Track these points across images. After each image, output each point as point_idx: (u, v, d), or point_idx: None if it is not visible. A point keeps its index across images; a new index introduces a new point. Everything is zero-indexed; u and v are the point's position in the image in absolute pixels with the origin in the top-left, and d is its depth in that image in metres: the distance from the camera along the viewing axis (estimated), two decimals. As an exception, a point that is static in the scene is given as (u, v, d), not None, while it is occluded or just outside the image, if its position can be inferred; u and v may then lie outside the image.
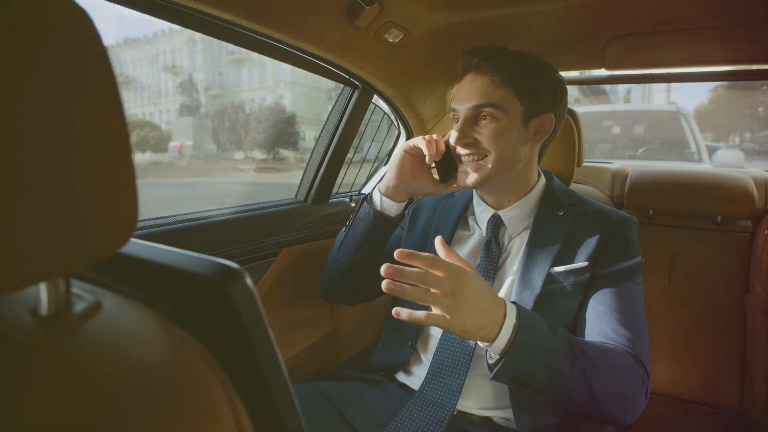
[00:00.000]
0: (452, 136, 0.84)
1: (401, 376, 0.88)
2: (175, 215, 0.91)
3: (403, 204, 0.92)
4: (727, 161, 2.86)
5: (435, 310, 0.60)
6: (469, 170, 0.82)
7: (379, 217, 0.89)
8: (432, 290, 0.59)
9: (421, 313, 0.59)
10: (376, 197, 0.90)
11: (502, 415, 0.78)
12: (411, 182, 0.89)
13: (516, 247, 0.85)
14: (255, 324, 0.25)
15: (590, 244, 0.80)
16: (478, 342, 0.64)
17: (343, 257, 0.93)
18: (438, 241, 0.67)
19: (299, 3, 0.80)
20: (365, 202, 0.91)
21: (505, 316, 0.62)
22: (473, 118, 0.81)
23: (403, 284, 0.58)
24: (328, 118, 1.24)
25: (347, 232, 0.93)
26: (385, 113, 1.42)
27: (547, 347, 0.63)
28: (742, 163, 2.92)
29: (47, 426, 0.19)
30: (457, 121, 0.83)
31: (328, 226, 1.22)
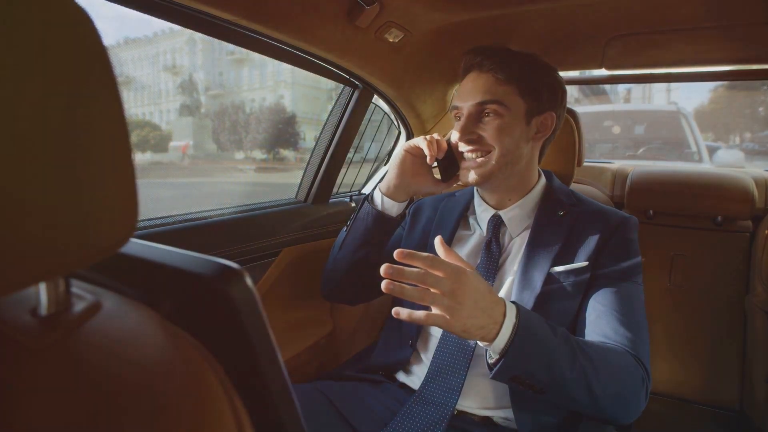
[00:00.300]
0: (454, 134, 0.84)
1: (401, 376, 0.89)
2: (175, 215, 0.91)
3: (404, 204, 0.92)
4: (727, 161, 2.86)
5: (435, 310, 0.59)
6: (472, 167, 0.83)
7: (380, 216, 0.89)
8: (432, 290, 0.59)
9: (420, 313, 0.59)
10: (377, 197, 0.90)
11: (502, 414, 0.78)
12: (412, 182, 0.89)
13: (516, 246, 0.85)
14: (255, 324, 0.25)
15: (590, 244, 0.80)
16: (478, 342, 0.64)
17: (343, 257, 0.93)
18: (438, 241, 0.67)
19: (299, 3, 0.80)
20: (366, 202, 0.91)
21: (504, 315, 0.62)
22: (477, 115, 0.81)
23: (403, 284, 0.58)
24: (328, 118, 1.24)
25: (348, 231, 0.93)
26: (385, 113, 1.42)
27: (547, 347, 0.63)
28: (743, 163, 2.92)
29: (47, 426, 0.19)
30: (459, 119, 0.83)
31: (328, 226, 1.22)
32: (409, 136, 1.45)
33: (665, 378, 1.31)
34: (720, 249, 1.30)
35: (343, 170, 1.28)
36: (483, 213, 0.90)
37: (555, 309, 0.77)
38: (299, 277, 1.15)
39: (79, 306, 0.24)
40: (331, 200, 1.28)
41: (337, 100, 1.24)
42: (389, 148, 1.53)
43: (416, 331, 0.89)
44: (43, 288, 0.23)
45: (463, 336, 0.61)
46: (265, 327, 0.26)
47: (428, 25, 1.01)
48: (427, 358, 0.85)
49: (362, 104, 1.22)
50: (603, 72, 1.21)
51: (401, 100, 1.29)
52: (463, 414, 0.79)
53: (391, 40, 1.01)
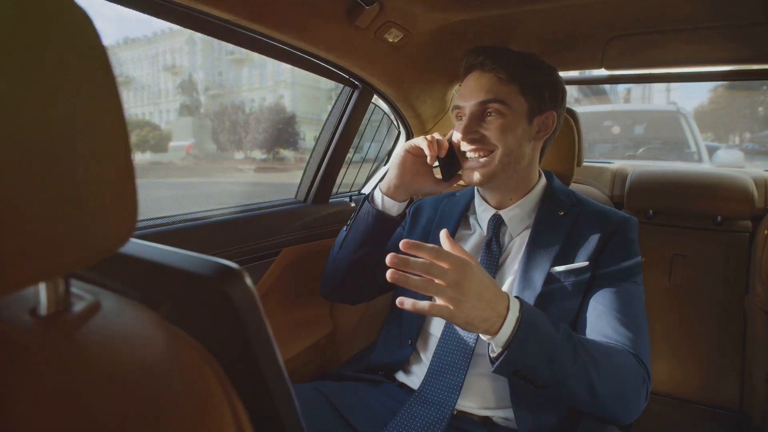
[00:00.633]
0: (455, 134, 0.84)
1: (401, 376, 0.89)
2: (175, 215, 0.91)
3: (405, 203, 0.92)
4: (727, 161, 2.85)
5: (438, 301, 0.60)
6: (475, 167, 0.83)
7: (381, 216, 0.89)
8: (436, 281, 0.59)
9: (424, 303, 0.59)
10: (378, 196, 0.90)
11: (502, 414, 0.78)
12: (412, 182, 0.89)
13: (516, 246, 0.85)
14: (255, 324, 0.25)
15: (590, 244, 0.80)
16: (481, 335, 0.64)
17: (344, 256, 0.93)
18: (443, 234, 0.67)
19: (299, 3, 0.80)
20: (366, 202, 0.91)
21: (508, 309, 0.62)
22: (479, 115, 0.82)
23: (408, 274, 0.58)
24: (328, 118, 1.24)
25: (348, 231, 0.93)
26: (385, 113, 1.42)
27: (550, 341, 0.63)
28: (742, 163, 2.91)
29: (47, 426, 0.19)
30: (461, 119, 0.84)
31: (328, 226, 1.22)
32: (408, 136, 1.45)
33: (665, 378, 1.31)
34: (720, 249, 1.30)
35: (342, 170, 1.28)
36: (483, 212, 0.91)
37: (555, 309, 0.77)
38: (299, 277, 1.15)
39: (78, 306, 0.24)
40: (330, 200, 1.28)
41: (336, 100, 1.24)
42: (389, 148, 1.53)
43: (416, 331, 0.89)
44: (43, 288, 0.23)
45: (465, 328, 0.61)
46: (265, 327, 0.26)
47: (428, 25, 1.01)
48: (426, 357, 0.85)
49: (362, 104, 1.22)
50: (603, 72, 1.21)
51: (401, 100, 1.29)
52: (462, 414, 0.79)
53: (390, 40, 1.01)
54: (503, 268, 0.85)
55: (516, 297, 0.65)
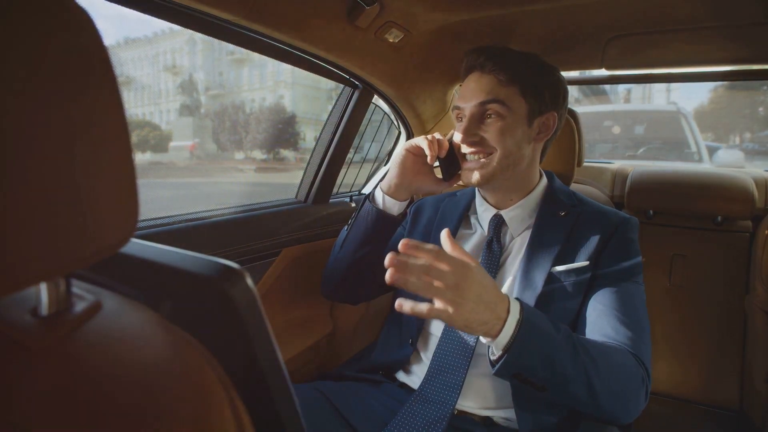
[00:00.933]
0: (456, 134, 0.84)
1: (401, 376, 0.89)
2: (175, 215, 0.91)
3: (405, 203, 0.92)
4: (727, 161, 2.85)
5: (438, 303, 0.59)
6: (474, 168, 0.83)
7: (381, 215, 0.89)
8: (435, 283, 0.58)
9: (423, 306, 0.59)
10: (378, 196, 0.90)
11: (502, 414, 0.78)
12: (413, 181, 0.89)
13: (517, 246, 0.85)
14: (255, 324, 0.25)
15: (591, 244, 0.80)
16: (480, 338, 0.64)
17: (344, 256, 0.93)
18: (444, 234, 0.66)
19: (299, 3, 0.80)
20: (367, 201, 0.91)
21: (508, 312, 0.62)
22: (479, 116, 0.81)
23: (407, 276, 0.58)
24: (328, 119, 1.24)
25: (349, 230, 0.93)
26: (385, 113, 1.42)
27: (550, 344, 0.63)
28: (743, 163, 2.91)
29: (47, 426, 0.19)
30: (461, 120, 0.84)
31: (328, 226, 1.22)
32: (409, 136, 1.45)
33: (665, 378, 1.31)
34: (720, 249, 1.30)
35: (343, 170, 1.28)
36: (484, 212, 0.91)
37: (556, 308, 0.77)
38: (299, 277, 1.15)
39: (79, 306, 0.24)
40: (331, 200, 1.28)
41: (337, 100, 1.24)
42: (389, 148, 1.53)
43: (416, 331, 0.89)
44: (43, 288, 0.23)
45: (465, 331, 0.61)
46: (265, 327, 0.26)
47: (428, 25, 1.01)
48: (426, 357, 0.85)
49: (362, 104, 1.22)
50: (603, 72, 1.21)
51: (401, 100, 1.29)
52: (463, 414, 0.79)
53: (391, 40, 1.01)
54: (504, 267, 0.85)
55: (516, 299, 0.65)
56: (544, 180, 0.91)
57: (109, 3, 0.63)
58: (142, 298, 0.28)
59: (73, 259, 0.21)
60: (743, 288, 1.27)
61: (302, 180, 1.24)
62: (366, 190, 1.48)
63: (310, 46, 0.92)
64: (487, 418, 0.78)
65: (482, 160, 0.82)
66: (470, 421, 0.78)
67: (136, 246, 0.29)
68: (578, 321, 0.78)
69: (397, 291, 0.92)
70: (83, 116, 0.20)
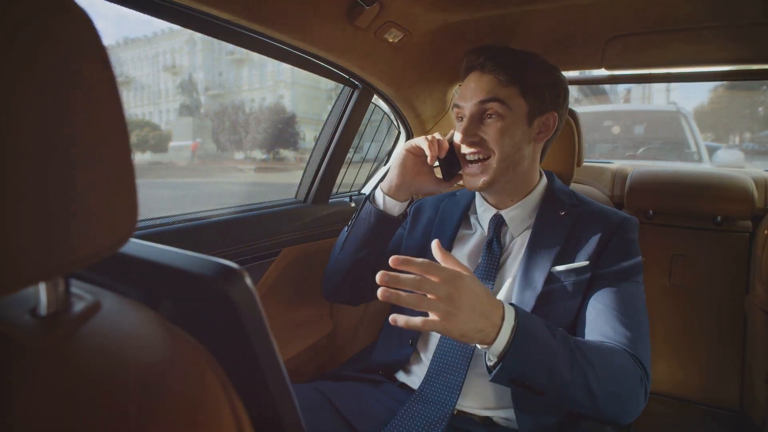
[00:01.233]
0: (456, 135, 0.84)
1: (401, 376, 0.89)
2: (175, 215, 0.91)
3: (406, 203, 0.92)
4: (727, 161, 2.85)
5: (432, 316, 0.59)
6: (476, 173, 0.83)
7: (382, 216, 0.89)
8: (428, 296, 0.58)
9: (417, 320, 0.58)
10: (379, 196, 0.90)
11: (502, 415, 0.78)
12: (413, 181, 0.89)
13: (517, 246, 0.85)
14: (255, 324, 0.25)
15: (591, 244, 0.80)
16: (477, 345, 0.64)
17: (345, 257, 0.93)
18: (435, 245, 0.66)
19: (299, 3, 0.80)
20: (368, 202, 0.91)
21: (503, 318, 0.62)
22: (479, 116, 0.81)
23: (399, 291, 0.57)
24: (327, 118, 1.24)
25: (349, 231, 0.93)
26: (385, 113, 1.42)
27: (546, 349, 0.63)
28: (742, 163, 2.91)
29: (47, 425, 0.19)
30: (461, 120, 0.83)
31: (328, 226, 1.22)
32: (408, 136, 1.45)
33: (665, 378, 1.31)
34: (720, 249, 1.30)
35: (342, 170, 1.28)
36: (484, 212, 0.91)
37: (556, 308, 0.77)
38: (299, 277, 1.15)
39: (78, 306, 0.24)
40: (330, 200, 1.28)
41: (336, 100, 1.24)
42: (389, 148, 1.53)
43: (416, 331, 0.89)
44: (43, 288, 0.23)
45: (461, 340, 0.61)
46: (265, 327, 0.26)
47: (428, 25, 1.01)
48: (426, 357, 0.85)
49: (362, 104, 1.22)
50: (603, 72, 1.21)
51: (401, 100, 1.29)
52: (463, 414, 0.79)
53: (390, 40, 1.01)
54: (504, 267, 0.85)
55: (511, 304, 0.65)
56: (544, 180, 0.91)
57: (109, 3, 0.63)
58: (141, 298, 0.28)
59: (72, 259, 0.21)
60: (743, 288, 1.27)
61: (302, 180, 1.24)
62: (366, 190, 1.48)
63: (310, 46, 0.92)
64: (487, 419, 0.78)
65: (482, 162, 0.82)
66: (470, 422, 0.78)
67: (136, 246, 0.29)
68: (578, 321, 0.78)
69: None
70: (82, 116, 0.20)
